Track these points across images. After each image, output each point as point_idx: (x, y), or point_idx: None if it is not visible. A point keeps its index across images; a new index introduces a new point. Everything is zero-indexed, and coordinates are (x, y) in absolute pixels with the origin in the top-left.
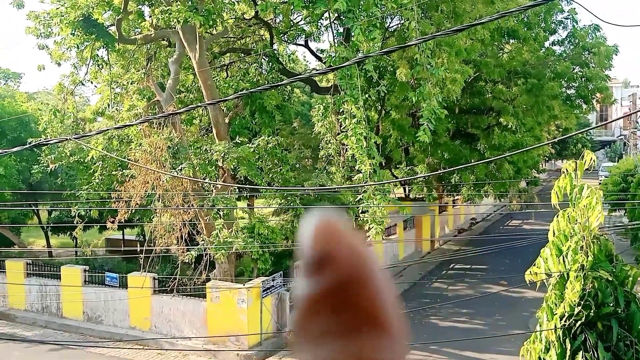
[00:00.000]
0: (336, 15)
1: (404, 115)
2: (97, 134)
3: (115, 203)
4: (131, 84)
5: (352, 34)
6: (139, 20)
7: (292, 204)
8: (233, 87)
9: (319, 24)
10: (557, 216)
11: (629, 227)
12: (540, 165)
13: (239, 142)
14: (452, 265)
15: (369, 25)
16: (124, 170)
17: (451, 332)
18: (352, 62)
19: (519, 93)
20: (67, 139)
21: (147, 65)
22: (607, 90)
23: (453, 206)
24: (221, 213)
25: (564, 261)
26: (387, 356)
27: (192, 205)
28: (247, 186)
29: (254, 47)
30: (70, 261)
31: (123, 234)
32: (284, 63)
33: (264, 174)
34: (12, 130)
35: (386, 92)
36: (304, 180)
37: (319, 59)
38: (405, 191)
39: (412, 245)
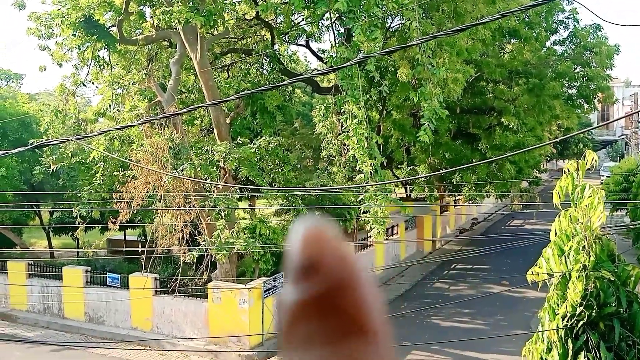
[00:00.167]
0: (337, 15)
1: (405, 115)
2: (99, 134)
3: (116, 204)
4: (132, 84)
5: (353, 34)
6: (140, 21)
7: (293, 205)
8: (234, 87)
9: (320, 24)
10: (559, 216)
11: (631, 226)
12: (542, 165)
13: (241, 142)
14: (453, 265)
15: (370, 26)
16: (125, 171)
17: (453, 332)
18: (353, 62)
19: (520, 93)
20: (68, 140)
21: (148, 65)
22: (609, 89)
23: (454, 206)
24: (222, 213)
25: (565, 261)
26: None
27: (194, 205)
28: (249, 186)
29: (255, 47)
30: (71, 262)
31: (124, 235)
32: (285, 63)
33: (265, 174)
34: (13, 131)
35: (387, 92)
36: (305, 180)
37: (320, 59)
38: (406, 191)
39: (413, 246)
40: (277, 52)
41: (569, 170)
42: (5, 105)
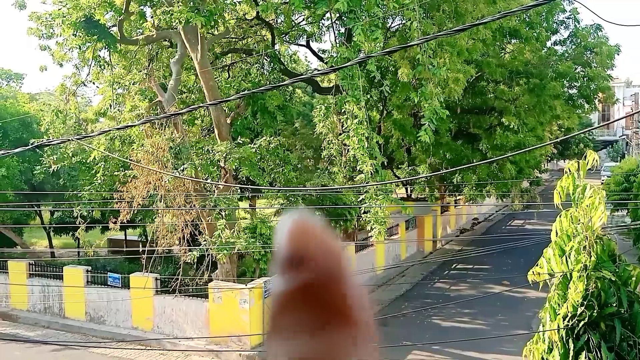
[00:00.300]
0: (337, 15)
1: (405, 116)
2: (99, 134)
3: (117, 203)
4: (133, 84)
5: (354, 34)
6: (141, 21)
7: (294, 204)
8: (235, 87)
9: (321, 24)
10: (560, 216)
11: (632, 226)
12: (543, 165)
13: (241, 142)
14: (454, 265)
15: (371, 26)
16: (126, 171)
17: (453, 332)
18: (353, 62)
19: (520, 93)
20: (69, 140)
21: (149, 65)
22: (609, 89)
23: (455, 206)
24: (223, 213)
25: (566, 261)
26: (355, 351)
27: (194, 205)
28: (249, 186)
29: (255, 47)
30: (72, 262)
31: (125, 235)
32: (285, 63)
33: (266, 174)
34: (14, 131)
35: (389, 92)
36: (306, 180)
37: (321, 59)
38: (407, 191)
39: (414, 246)
40: (277, 52)
41: (569, 171)
42: (6, 105)
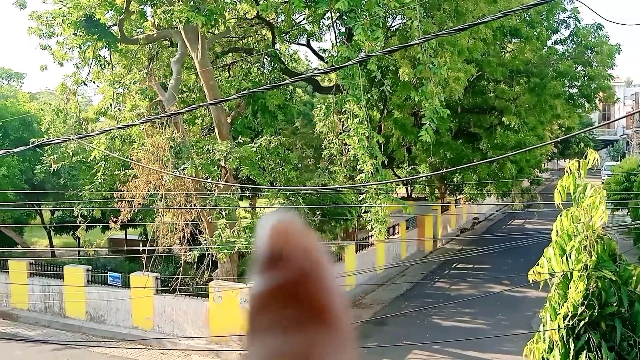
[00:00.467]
0: (338, 14)
1: (406, 115)
2: (100, 134)
3: (117, 203)
4: (133, 83)
5: (354, 33)
6: (141, 20)
7: (294, 204)
8: (235, 86)
9: (321, 23)
10: (561, 215)
11: (632, 226)
12: (543, 165)
13: (241, 141)
14: (454, 264)
15: (371, 25)
16: (126, 170)
17: (454, 332)
18: (354, 61)
19: (521, 92)
20: (69, 139)
21: (149, 65)
22: (610, 89)
23: (455, 206)
24: (223, 213)
25: (567, 261)
26: (332, 350)
27: (195, 205)
28: (250, 186)
29: (256, 46)
30: (72, 261)
31: (125, 234)
32: (286, 63)
33: (266, 173)
34: (14, 131)
35: (390, 91)
36: (306, 179)
37: (321, 58)
38: (407, 191)
39: (414, 245)
40: (278, 52)
41: (570, 170)
42: (6, 104)
